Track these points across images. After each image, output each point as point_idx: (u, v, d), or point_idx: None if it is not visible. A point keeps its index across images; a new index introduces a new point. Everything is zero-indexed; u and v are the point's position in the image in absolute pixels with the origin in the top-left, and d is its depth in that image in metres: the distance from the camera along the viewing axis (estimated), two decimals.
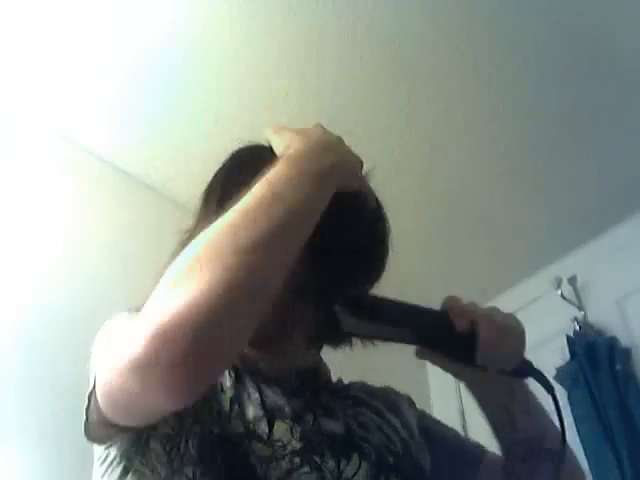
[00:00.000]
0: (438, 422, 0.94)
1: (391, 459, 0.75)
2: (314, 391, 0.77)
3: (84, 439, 0.68)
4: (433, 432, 0.89)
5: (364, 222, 0.81)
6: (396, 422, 0.83)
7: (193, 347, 0.52)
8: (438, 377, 2.38)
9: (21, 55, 1.66)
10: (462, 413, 2.19)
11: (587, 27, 1.69)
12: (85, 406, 0.66)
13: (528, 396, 0.84)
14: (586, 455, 1.84)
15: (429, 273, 2.27)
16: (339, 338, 0.80)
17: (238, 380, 0.74)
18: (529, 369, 0.79)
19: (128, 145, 1.90)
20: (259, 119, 1.84)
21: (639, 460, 1.75)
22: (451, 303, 0.76)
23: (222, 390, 0.71)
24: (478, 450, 0.90)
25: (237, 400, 0.71)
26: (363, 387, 0.89)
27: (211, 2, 1.59)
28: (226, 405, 0.70)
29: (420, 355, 0.78)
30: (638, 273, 2.03)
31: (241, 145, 0.86)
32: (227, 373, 0.74)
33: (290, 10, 1.62)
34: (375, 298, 0.74)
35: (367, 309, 0.71)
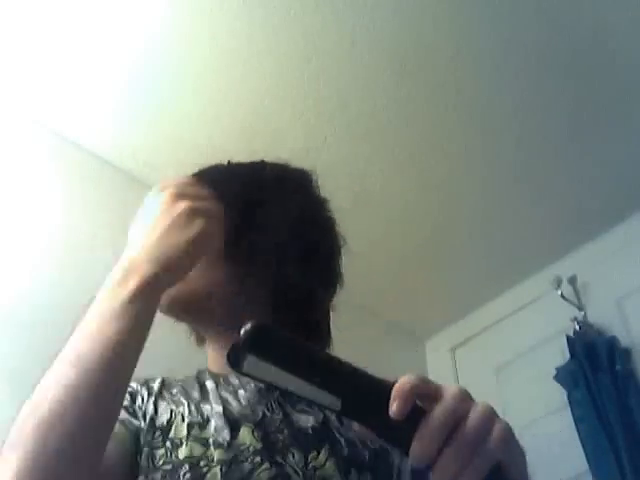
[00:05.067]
0: None
1: (367, 454, 0.75)
2: (281, 395, 0.79)
3: None
4: None
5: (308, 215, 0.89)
6: None
7: None
8: (438, 378, 2.38)
9: (13, 50, 1.66)
10: None
11: (587, 27, 1.69)
12: None
13: None
14: (586, 455, 1.84)
15: (429, 274, 2.27)
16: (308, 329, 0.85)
17: (203, 397, 0.79)
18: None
19: (128, 144, 1.90)
20: (259, 119, 1.84)
21: (639, 460, 1.75)
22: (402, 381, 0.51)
23: (182, 420, 0.75)
24: None
25: (197, 421, 0.75)
26: None
27: (210, 2, 1.59)
28: (182, 433, 0.74)
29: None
30: (638, 273, 2.03)
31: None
32: (186, 403, 0.78)
33: (290, 10, 1.62)
34: (292, 338, 0.51)
35: (276, 348, 0.50)
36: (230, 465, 0.69)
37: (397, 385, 0.49)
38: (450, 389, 0.51)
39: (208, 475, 0.69)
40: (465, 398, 0.50)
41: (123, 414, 0.74)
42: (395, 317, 2.34)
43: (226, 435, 0.73)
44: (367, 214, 2.03)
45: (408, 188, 2.04)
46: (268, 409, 0.77)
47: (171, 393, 0.81)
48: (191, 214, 0.71)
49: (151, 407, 0.78)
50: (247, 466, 0.70)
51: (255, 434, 0.73)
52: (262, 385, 0.78)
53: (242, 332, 0.49)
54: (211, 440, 0.72)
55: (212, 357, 0.89)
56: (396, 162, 1.98)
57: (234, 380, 0.81)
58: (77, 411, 0.58)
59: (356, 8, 1.62)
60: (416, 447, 0.47)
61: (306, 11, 1.62)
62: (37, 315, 1.54)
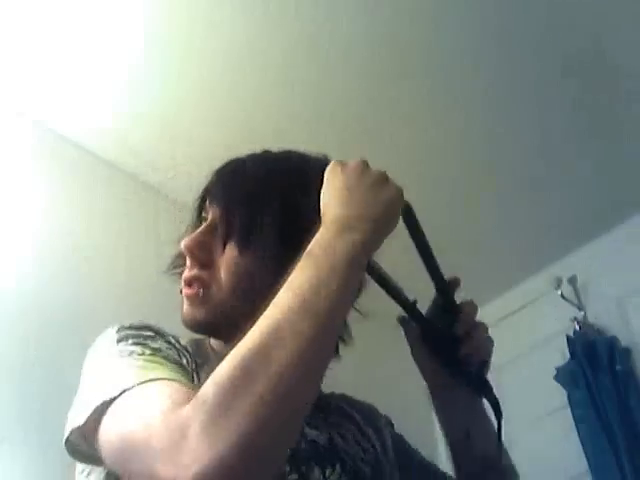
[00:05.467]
0: (413, 447, 0.95)
1: (367, 470, 0.77)
2: None
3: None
4: (406, 454, 0.90)
5: None
6: (372, 436, 0.84)
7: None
8: None
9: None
10: None
11: (587, 28, 1.69)
12: (72, 428, 0.64)
13: (487, 419, 0.86)
14: (586, 455, 1.84)
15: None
16: None
17: None
18: (489, 391, 0.83)
19: (128, 144, 1.90)
20: (259, 119, 1.84)
21: (639, 460, 1.75)
22: (468, 309, 0.86)
23: None
24: (446, 478, 0.91)
25: None
26: (344, 398, 0.90)
27: (210, 2, 1.59)
28: None
29: (402, 322, 0.85)
30: (638, 273, 2.03)
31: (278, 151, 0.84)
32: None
33: (289, 10, 1.62)
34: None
35: (376, 274, 0.77)
36: None
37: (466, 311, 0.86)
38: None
39: None
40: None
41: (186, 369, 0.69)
42: (395, 317, 2.34)
43: None
44: None
45: (407, 188, 2.04)
46: None
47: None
48: (385, 178, 0.75)
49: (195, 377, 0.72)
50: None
51: None
52: None
53: None
54: None
55: (221, 346, 0.82)
56: (396, 162, 1.97)
57: None
58: (316, 364, 0.58)
59: (356, 8, 1.62)
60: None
61: (305, 11, 1.62)
62: (36, 315, 1.54)
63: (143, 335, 0.71)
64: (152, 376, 0.61)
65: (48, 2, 1.55)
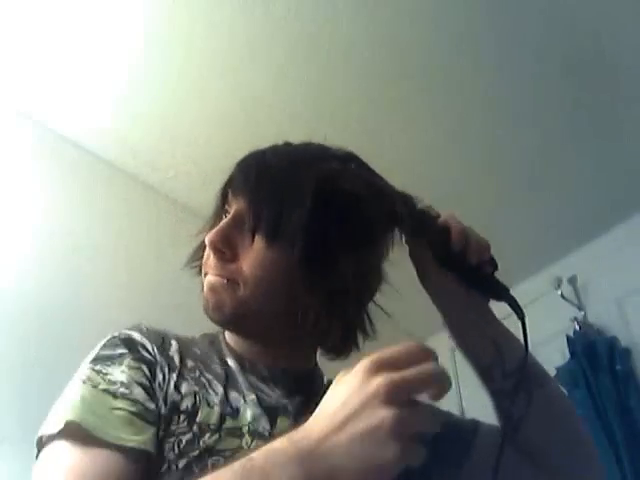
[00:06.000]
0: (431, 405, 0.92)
1: None
2: (310, 392, 0.77)
3: None
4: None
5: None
6: None
7: None
8: None
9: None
10: (462, 410, 2.19)
11: (587, 27, 1.69)
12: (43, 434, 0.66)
13: (507, 330, 0.87)
14: None
15: None
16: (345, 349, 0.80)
17: (229, 381, 0.74)
18: (504, 290, 0.85)
19: (128, 144, 1.90)
20: (260, 118, 1.84)
21: (639, 460, 1.75)
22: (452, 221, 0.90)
23: (208, 405, 0.70)
24: (472, 424, 0.88)
25: (228, 411, 0.71)
26: None
27: (210, 2, 1.59)
28: (212, 419, 0.69)
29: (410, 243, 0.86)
30: (638, 273, 2.03)
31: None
32: (213, 389, 0.72)
33: (289, 11, 1.62)
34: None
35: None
36: None
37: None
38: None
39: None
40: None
41: (141, 396, 0.67)
42: (395, 317, 2.34)
43: (266, 424, 0.70)
44: None
45: (407, 188, 2.04)
46: (302, 403, 0.75)
47: (188, 367, 0.74)
48: (394, 429, 0.51)
49: (172, 387, 0.70)
50: None
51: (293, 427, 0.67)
52: (292, 385, 0.77)
53: None
54: (245, 429, 0.69)
55: (239, 342, 0.81)
56: (396, 162, 1.97)
57: (263, 370, 0.77)
58: None
59: (356, 8, 1.62)
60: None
61: (305, 12, 1.62)
62: (36, 315, 1.54)
63: (114, 355, 0.71)
64: (77, 419, 0.63)
65: (48, 2, 1.55)
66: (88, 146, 1.87)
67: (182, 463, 0.64)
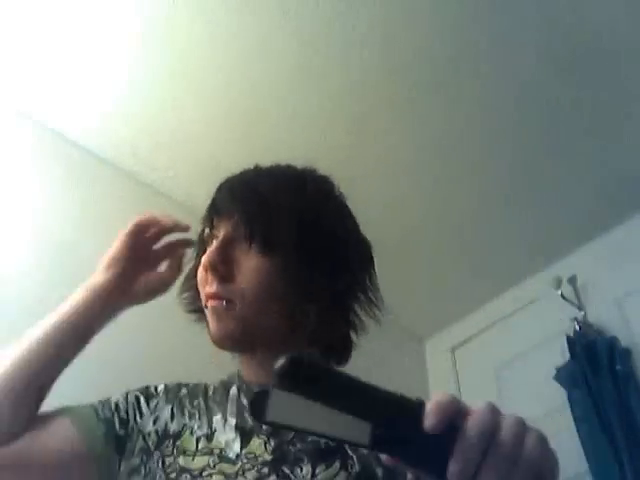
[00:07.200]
0: None
1: (380, 472, 0.74)
2: None
3: None
4: None
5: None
6: None
7: None
8: (438, 378, 2.38)
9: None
10: None
11: (587, 27, 1.69)
12: None
13: None
14: (586, 455, 1.83)
15: (429, 274, 2.27)
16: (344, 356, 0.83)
17: (219, 406, 0.81)
18: None
19: (128, 144, 1.90)
20: (259, 118, 1.84)
21: (639, 460, 1.74)
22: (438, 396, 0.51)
23: (191, 433, 0.78)
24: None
25: (206, 435, 0.77)
26: None
27: (210, 2, 1.59)
28: (190, 445, 0.76)
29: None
30: (638, 273, 2.03)
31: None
32: (197, 415, 0.80)
33: (290, 10, 1.62)
34: (327, 368, 0.51)
35: (311, 379, 0.47)
36: (236, 477, 0.71)
37: (434, 399, 0.47)
38: (479, 405, 0.49)
39: None
40: (494, 410, 0.48)
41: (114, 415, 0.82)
42: (395, 316, 2.34)
43: (236, 447, 0.74)
44: (365, 214, 2.03)
45: (407, 189, 2.04)
46: None
47: (182, 402, 0.83)
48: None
49: (167, 414, 0.81)
50: (253, 474, 0.71)
51: (267, 446, 0.74)
52: None
53: (279, 366, 0.46)
54: (217, 452, 0.74)
55: (246, 364, 0.87)
56: (396, 162, 1.97)
57: (255, 389, 0.81)
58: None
59: (356, 8, 1.62)
60: (454, 467, 0.45)
61: (305, 12, 1.62)
62: (36, 315, 1.54)
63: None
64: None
65: (48, 2, 1.55)
66: (88, 146, 1.87)
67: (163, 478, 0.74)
